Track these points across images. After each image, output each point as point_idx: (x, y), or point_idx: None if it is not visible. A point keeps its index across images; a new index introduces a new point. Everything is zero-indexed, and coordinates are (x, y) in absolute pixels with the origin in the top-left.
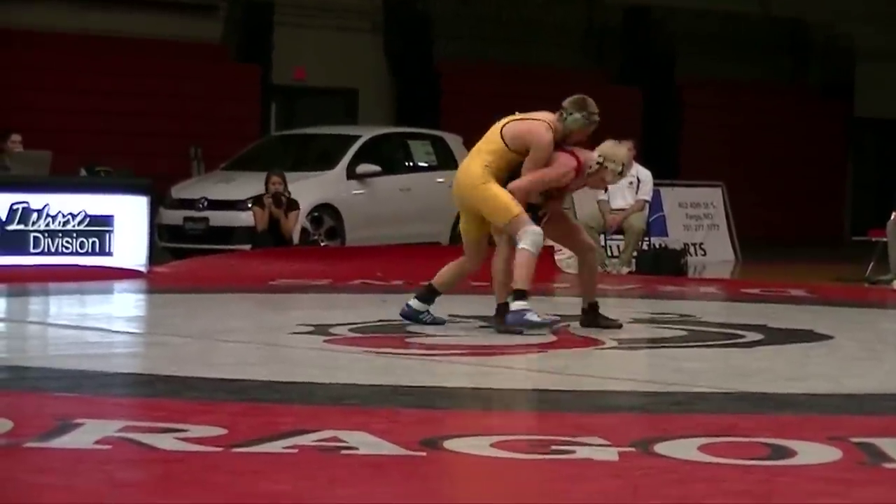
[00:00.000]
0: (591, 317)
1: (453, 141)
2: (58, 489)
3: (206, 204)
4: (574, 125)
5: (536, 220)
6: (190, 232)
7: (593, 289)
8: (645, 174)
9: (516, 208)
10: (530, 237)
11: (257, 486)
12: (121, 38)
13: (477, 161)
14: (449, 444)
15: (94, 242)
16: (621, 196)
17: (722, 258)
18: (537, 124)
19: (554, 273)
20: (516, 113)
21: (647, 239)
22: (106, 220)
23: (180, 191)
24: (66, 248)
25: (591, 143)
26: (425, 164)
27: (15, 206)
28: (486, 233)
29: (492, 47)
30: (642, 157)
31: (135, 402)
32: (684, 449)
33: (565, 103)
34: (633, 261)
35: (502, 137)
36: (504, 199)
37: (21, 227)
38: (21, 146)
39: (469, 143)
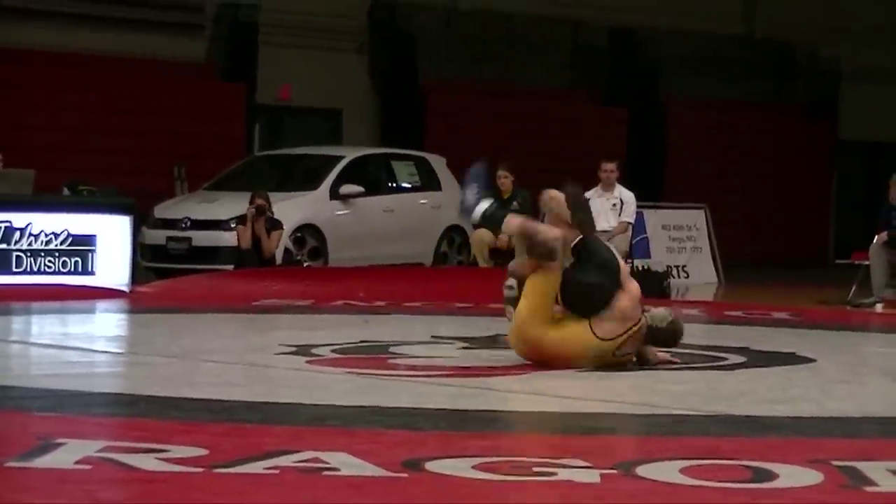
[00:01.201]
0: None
1: (437, 162)
2: None
3: (188, 224)
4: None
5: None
6: (173, 252)
7: None
8: (628, 196)
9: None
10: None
11: None
12: (106, 56)
13: None
14: (431, 466)
15: (76, 262)
16: (604, 218)
17: (705, 280)
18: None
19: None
20: None
21: (630, 261)
22: (88, 240)
23: (163, 210)
24: (49, 267)
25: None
26: (409, 185)
27: None
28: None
29: (477, 67)
30: (627, 178)
31: (116, 422)
32: (666, 471)
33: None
34: None
35: None
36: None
37: (3, 246)
38: (0, 164)
39: (452, 164)
